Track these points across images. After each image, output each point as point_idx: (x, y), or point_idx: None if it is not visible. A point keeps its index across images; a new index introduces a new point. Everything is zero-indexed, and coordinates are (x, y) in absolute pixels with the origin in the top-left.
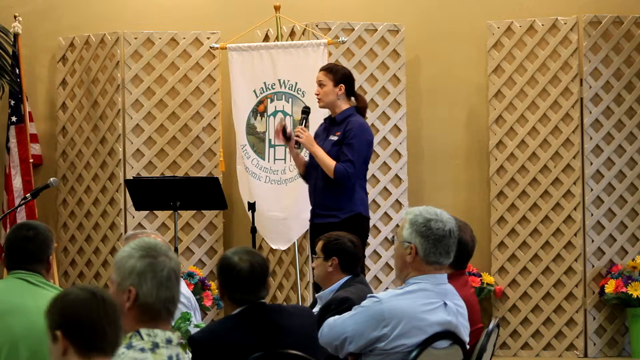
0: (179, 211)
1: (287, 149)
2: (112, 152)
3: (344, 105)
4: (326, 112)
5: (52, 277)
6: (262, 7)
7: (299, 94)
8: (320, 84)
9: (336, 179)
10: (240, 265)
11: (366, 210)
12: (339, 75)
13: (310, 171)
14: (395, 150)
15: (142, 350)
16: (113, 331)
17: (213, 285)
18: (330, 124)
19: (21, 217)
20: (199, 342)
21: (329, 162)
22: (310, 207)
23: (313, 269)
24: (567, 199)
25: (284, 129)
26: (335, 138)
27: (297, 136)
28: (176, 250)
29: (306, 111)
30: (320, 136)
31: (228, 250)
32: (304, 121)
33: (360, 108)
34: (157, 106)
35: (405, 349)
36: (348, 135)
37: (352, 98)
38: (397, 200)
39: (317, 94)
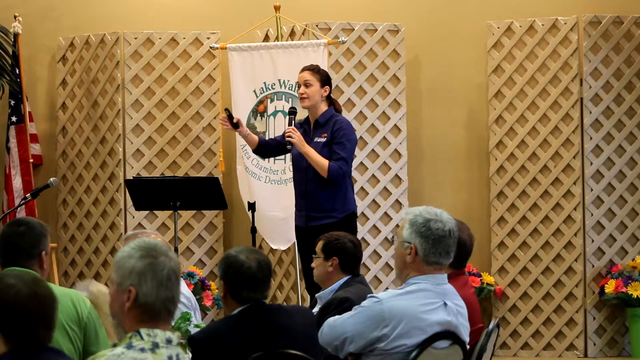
0: (179, 211)
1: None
2: (112, 152)
3: (324, 106)
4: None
5: (52, 277)
6: (262, 7)
7: (297, 90)
8: (307, 84)
9: (330, 177)
10: (248, 263)
11: (356, 207)
12: (324, 76)
13: (297, 174)
14: (395, 150)
15: (142, 350)
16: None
17: (213, 285)
18: (313, 126)
19: (21, 217)
20: (199, 342)
21: (321, 162)
22: (300, 211)
23: (312, 269)
24: (567, 199)
25: (230, 116)
26: (322, 139)
27: (290, 136)
28: (176, 250)
29: (293, 111)
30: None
31: (230, 249)
32: (292, 121)
33: (338, 111)
34: (157, 106)
35: (405, 349)
36: (338, 134)
37: (329, 100)
38: (397, 200)
39: (303, 94)
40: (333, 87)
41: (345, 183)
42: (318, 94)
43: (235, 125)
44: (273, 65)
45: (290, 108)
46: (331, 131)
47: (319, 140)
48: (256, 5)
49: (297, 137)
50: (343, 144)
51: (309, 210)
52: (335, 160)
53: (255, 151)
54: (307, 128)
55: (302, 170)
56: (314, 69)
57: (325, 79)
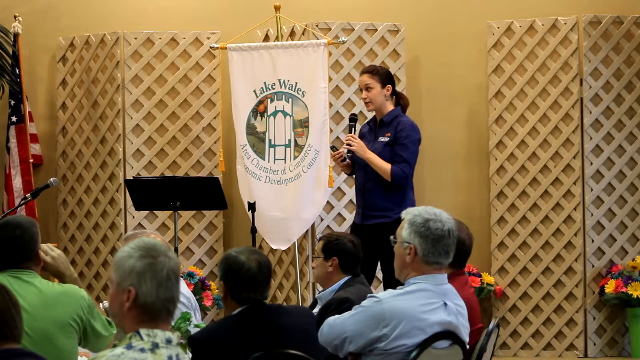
0: (179, 211)
1: (333, 159)
2: (112, 152)
3: (389, 105)
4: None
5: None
6: (262, 7)
7: (299, 94)
8: (368, 87)
9: (394, 182)
10: (249, 264)
11: None
12: (384, 76)
13: (357, 171)
14: None
15: (142, 350)
16: (19, 319)
17: (213, 285)
18: (377, 125)
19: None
20: (199, 342)
21: (384, 166)
22: (358, 208)
23: (313, 268)
24: (567, 199)
25: (341, 155)
26: (386, 139)
27: (349, 144)
28: (176, 250)
29: (354, 119)
30: (367, 138)
31: (230, 249)
32: (352, 129)
33: (404, 106)
34: (157, 106)
35: (405, 349)
36: (401, 136)
37: (394, 97)
38: None
39: (365, 98)
40: (333, 87)
41: (408, 185)
42: (380, 95)
43: (343, 159)
44: (273, 65)
45: (351, 115)
46: (394, 131)
47: (382, 140)
48: (256, 5)
49: (356, 145)
50: (406, 145)
51: (365, 208)
52: (398, 163)
53: (350, 174)
54: (373, 126)
55: (361, 167)
56: (372, 71)
57: (385, 78)
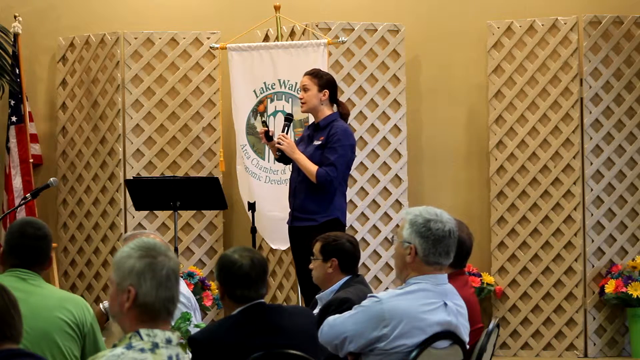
0: (179, 211)
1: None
2: (112, 152)
3: (327, 110)
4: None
5: (52, 277)
6: (262, 7)
7: (298, 94)
8: (305, 88)
9: (319, 184)
10: (241, 261)
11: (343, 217)
12: (323, 80)
13: (292, 172)
14: (395, 150)
15: (142, 350)
16: (18, 319)
17: (213, 285)
18: (314, 129)
19: (21, 217)
20: (199, 342)
21: (310, 168)
22: (290, 210)
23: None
24: (567, 199)
25: (266, 133)
26: (318, 142)
27: (279, 143)
28: (176, 250)
29: (289, 118)
30: (305, 141)
31: (226, 250)
32: (286, 128)
33: (343, 114)
34: (157, 106)
35: (405, 349)
36: (332, 140)
37: (334, 105)
38: (397, 200)
39: (302, 98)
40: None
41: (335, 188)
42: (315, 98)
43: (270, 138)
44: (273, 65)
45: (287, 114)
46: (327, 135)
47: (315, 143)
48: (256, 5)
49: (286, 144)
50: (335, 149)
51: (294, 210)
52: (326, 166)
53: (278, 159)
54: (311, 130)
55: (295, 170)
56: (313, 73)
57: (324, 83)
